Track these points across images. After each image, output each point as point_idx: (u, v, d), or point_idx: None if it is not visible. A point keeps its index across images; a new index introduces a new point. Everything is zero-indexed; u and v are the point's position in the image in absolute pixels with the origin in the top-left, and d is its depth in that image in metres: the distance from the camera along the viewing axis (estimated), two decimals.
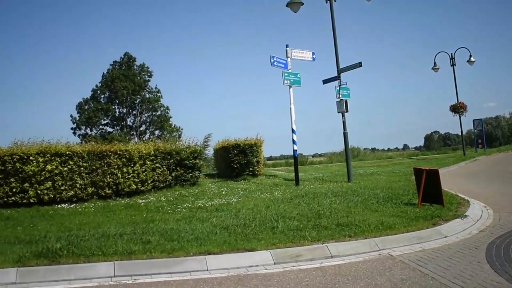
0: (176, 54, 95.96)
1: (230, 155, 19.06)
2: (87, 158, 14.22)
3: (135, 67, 48.47)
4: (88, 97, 47.69)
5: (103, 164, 14.44)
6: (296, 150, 17.01)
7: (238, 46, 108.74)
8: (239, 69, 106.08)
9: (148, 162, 15.40)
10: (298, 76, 17.19)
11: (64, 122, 76.75)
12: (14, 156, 13.29)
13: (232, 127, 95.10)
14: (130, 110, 48.66)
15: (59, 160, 13.76)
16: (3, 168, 13.22)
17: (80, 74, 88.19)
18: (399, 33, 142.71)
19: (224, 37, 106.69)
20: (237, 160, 18.90)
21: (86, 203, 13.64)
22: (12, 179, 13.23)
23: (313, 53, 17.89)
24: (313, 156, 56.36)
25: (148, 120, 49.15)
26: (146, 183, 15.33)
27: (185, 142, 17.55)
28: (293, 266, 6.66)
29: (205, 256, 6.88)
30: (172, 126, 48.35)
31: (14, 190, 13.21)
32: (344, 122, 17.08)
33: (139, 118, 48.76)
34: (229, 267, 6.63)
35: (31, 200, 13.28)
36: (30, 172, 13.29)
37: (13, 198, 13.20)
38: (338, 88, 17.11)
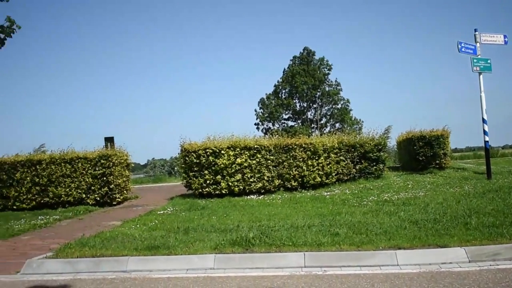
0: (355, 46, 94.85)
1: (415, 147, 18.30)
2: (273, 152, 14.78)
3: (314, 61, 48.84)
4: (270, 93, 49.39)
5: (288, 157, 14.88)
6: (487, 141, 15.69)
7: (416, 34, 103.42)
8: (418, 57, 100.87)
9: (332, 155, 15.47)
10: (489, 62, 15.77)
11: (249, 117, 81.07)
12: (208, 150, 14.37)
13: (411, 117, 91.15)
14: (311, 104, 49.14)
15: (247, 154, 14.52)
16: (198, 161, 14.37)
17: (265, 70, 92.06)
18: None
19: (401, 26, 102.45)
20: (422, 152, 18.08)
21: (273, 195, 14.22)
22: (206, 172, 14.33)
23: (505, 36, 16.28)
24: (503, 147, 51.53)
25: (329, 113, 49.07)
26: (331, 176, 15.41)
27: (368, 135, 17.24)
28: (490, 265, 6.09)
29: (395, 251, 6.62)
30: (353, 119, 47.76)
31: (208, 181, 14.31)
32: None
33: (319, 111, 49.07)
34: (420, 263, 6.31)
35: (223, 191, 14.27)
36: (222, 165, 14.23)
37: (207, 189, 14.32)
38: None
